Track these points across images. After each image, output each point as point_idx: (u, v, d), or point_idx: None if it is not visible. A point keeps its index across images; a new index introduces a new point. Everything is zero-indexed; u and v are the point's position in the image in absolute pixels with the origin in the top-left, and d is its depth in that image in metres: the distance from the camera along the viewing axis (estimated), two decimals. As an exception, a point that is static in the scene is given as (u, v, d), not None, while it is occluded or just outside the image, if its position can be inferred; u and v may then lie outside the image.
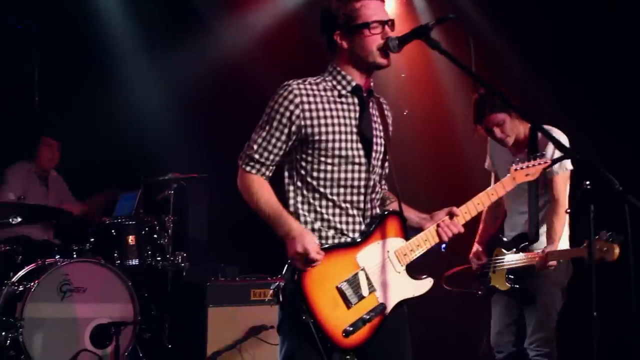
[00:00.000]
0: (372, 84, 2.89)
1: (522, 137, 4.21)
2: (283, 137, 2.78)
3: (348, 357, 2.75)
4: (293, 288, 2.71)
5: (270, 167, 2.84)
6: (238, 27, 7.27)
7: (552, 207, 4.15)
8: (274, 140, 2.78)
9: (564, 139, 3.97)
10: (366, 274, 2.76)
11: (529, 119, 2.47)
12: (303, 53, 6.30)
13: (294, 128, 2.76)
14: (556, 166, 4.03)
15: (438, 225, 2.88)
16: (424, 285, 2.87)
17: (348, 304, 2.72)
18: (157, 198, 6.25)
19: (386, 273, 2.79)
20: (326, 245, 2.78)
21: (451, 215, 2.89)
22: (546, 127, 3.68)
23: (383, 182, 3.04)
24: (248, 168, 2.83)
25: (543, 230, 4.19)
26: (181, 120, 7.34)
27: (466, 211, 2.93)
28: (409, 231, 2.91)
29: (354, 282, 2.74)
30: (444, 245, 4.76)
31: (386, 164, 2.96)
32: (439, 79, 6.71)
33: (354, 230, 2.82)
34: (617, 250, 3.63)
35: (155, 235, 5.96)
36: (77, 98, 7.05)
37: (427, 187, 6.47)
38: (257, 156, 2.81)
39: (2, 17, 6.69)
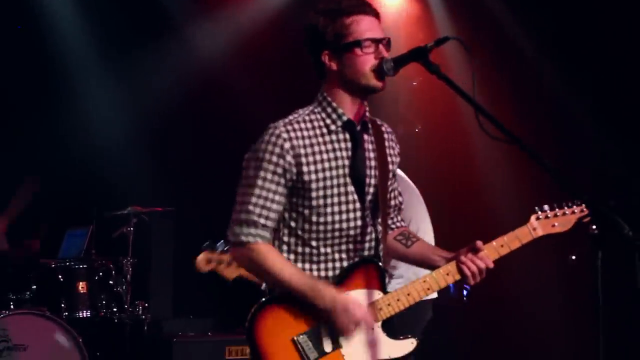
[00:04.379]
0: (367, 110, 2.97)
1: None
2: (280, 189, 2.82)
3: None
4: (246, 333, 2.81)
5: (272, 230, 2.86)
6: (209, 36, 7.36)
7: None
8: (271, 195, 2.82)
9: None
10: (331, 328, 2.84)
11: (532, 154, 2.61)
12: (285, 69, 6.43)
13: (288, 176, 2.82)
14: None
15: (459, 262, 2.90)
16: (404, 347, 2.88)
17: (306, 359, 2.79)
18: (113, 236, 6.26)
19: None
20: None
21: (475, 249, 2.91)
22: None
23: (396, 219, 3.16)
24: (251, 239, 2.82)
25: None
26: (143, 144, 7.37)
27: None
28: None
29: (314, 335, 2.81)
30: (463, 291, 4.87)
31: (390, 202, 3.07)
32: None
33: None
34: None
35: (110, 282, 6.00)
36: (19, 117, 7.16)
37: (442, 208, 6.64)
38: (255, 218, 2.82)
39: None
